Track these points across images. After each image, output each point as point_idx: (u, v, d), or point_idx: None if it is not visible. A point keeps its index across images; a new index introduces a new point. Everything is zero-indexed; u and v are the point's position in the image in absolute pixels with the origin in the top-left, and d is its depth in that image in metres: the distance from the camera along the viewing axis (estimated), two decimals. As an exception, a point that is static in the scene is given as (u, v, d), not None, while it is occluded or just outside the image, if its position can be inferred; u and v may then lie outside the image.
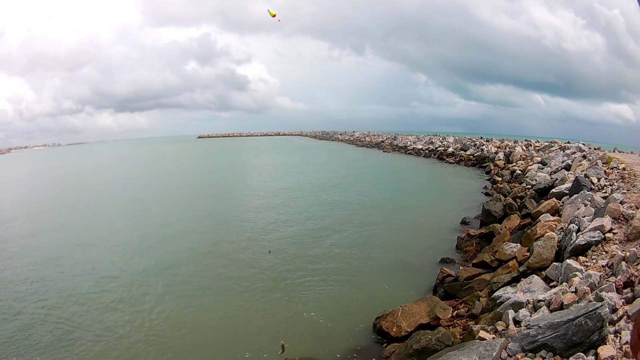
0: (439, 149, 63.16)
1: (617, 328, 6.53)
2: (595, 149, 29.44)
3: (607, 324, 6.40)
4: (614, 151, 27.65)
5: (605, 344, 6.16)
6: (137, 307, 14.40)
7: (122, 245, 21.68)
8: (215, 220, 26.63)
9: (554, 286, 9.56)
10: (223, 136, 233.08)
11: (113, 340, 12.16)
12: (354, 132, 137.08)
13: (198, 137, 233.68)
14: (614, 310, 6.95)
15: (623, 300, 7.11)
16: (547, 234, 12.40)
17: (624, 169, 17.26)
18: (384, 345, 11.27)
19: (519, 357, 6.95)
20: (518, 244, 14.49)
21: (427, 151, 65.98)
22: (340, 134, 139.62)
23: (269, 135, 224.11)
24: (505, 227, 18.11)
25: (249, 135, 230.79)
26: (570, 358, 6.03)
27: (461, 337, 9.74)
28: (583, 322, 6.45)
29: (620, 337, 6.26)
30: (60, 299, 14.98)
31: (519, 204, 21.22)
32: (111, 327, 13.05)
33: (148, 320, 13.49)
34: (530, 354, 6.90)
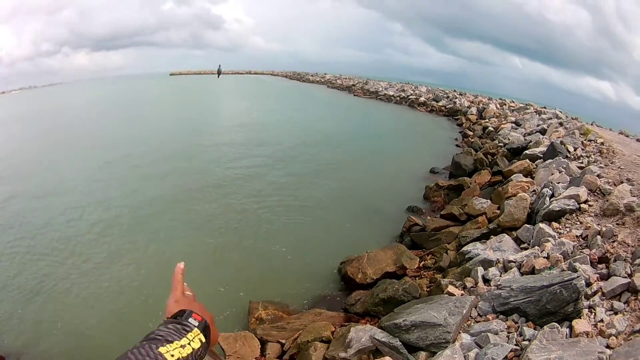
0: (410, 97, 62.05)
1: (591, 303, 6.48)
2: (573, 118, 29.15)
3: (583, 297, 6.34)
4: (592, 124, 27.28)
5: (580, 318, 6.13)
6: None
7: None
8: (188, 163, 25.56)
9: (525, 248, 9.51)
10: (195, 73, 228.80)
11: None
12: (325, 74, 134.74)
13: (170, 75, 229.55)
14: (588, 284, 6.89)
15: (597, 275, 7.06)
16: (519, 194, 12.27)
17: (602, 143, 17.09)
18: (348, 292, 11.21)
19: (490, 317, 6.92)
20: (488, 201, 14.45)
21: (398, 98, 64.72)
22: (312, 75, 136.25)
23: (240, 73, 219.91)
24: (475, 182, 18.08)
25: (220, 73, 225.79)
26: (545, 327, 5.96)
27: (428, 289, 9.71)
28: (558, 291, 6.37)
29: (595, 314, 6.22)
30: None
31: (490, 160, 21.17)
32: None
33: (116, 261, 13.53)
34: (502, 316, 6.86)
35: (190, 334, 1.57)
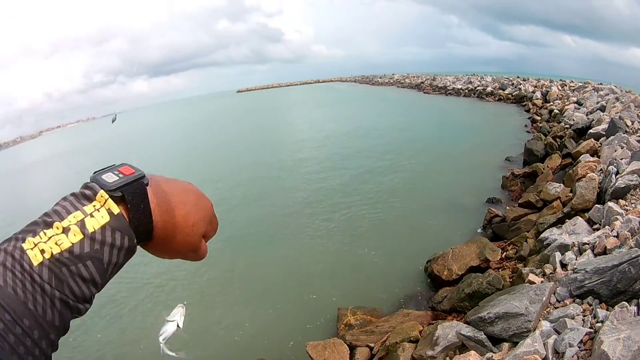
0: (477, 88, 60.95)
1: None
2: (626, 91, 28.14)
3: None
4: None
5: None
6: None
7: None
8: (273, 179, 26.35)
9: (597, 229, 9.41)
10: (262, 88, 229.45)
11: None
12: (393, 74, 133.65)
13: (237, 92, 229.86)
14: None
15: None
16: (588, 175, 12.15)
17: (657, 113, 16.68)
18: (435, 289, 11.35)
19: (567, 302, 6.94)
20: (561, 184, 14.22)
21: (466, 91, 63.62)
22: (380, 77, 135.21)
23: (309, 83, 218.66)
24: (548, 167, 17.83)
25: (288, 85, 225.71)
26: (616, 307, 5.96)
27: (511, 279, 9.67)
28: (627, 269, 6.35)
29: None
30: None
31: (559, 143, 20.70)
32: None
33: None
34: (578, 300, 6.87)
35: (89, 205, 0.90)
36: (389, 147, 30.53)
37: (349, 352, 8.95)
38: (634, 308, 5.87)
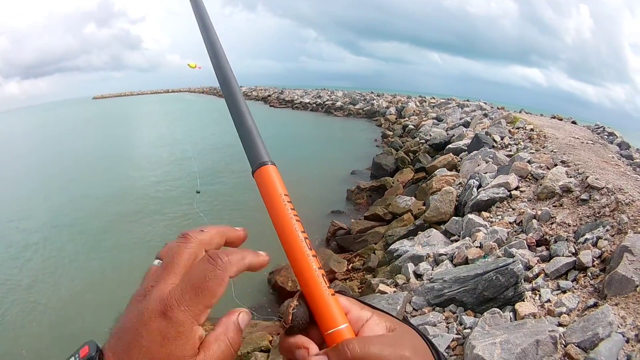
0: (326, 102, 62.51)
1: (534, 285, 6.63)
2: (498, 108, 29.43)
3: (522, 281, 6.45)
4: (520, 112, 27.51)
5: (524, 301, 6.22)
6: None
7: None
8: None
9: (456, 240, 9.65)
10: (116, 96, 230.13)
11: None
12: (240, 87, 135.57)
13: (93, 98, 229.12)
14: (528, 267, 7.07)
15: (538, 258, 7.26)
16: (444, 188, 12.49)
17: (531, 129, 17.30)
18: (281, 300, 11.19)
19: (426, 310, 6.93)
20: (412, 198, 14.62)
21: (314, 105, 65.10)
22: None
23: (159, 92, 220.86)
24: (398, 181, 18.26)
25: (140, 94, 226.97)
26: (485, 313, 6.05)
27: (360, 290, 9.75)
28: (494, 278, 6.47)
29: (540, 295, 6.35)
30: None
31: (412, 158, 21.51)
32: None
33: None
34: (438, 308, 6.88)
35: None
36: (229, 160, 29.93)
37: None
38: (509, 314, 5.98)
